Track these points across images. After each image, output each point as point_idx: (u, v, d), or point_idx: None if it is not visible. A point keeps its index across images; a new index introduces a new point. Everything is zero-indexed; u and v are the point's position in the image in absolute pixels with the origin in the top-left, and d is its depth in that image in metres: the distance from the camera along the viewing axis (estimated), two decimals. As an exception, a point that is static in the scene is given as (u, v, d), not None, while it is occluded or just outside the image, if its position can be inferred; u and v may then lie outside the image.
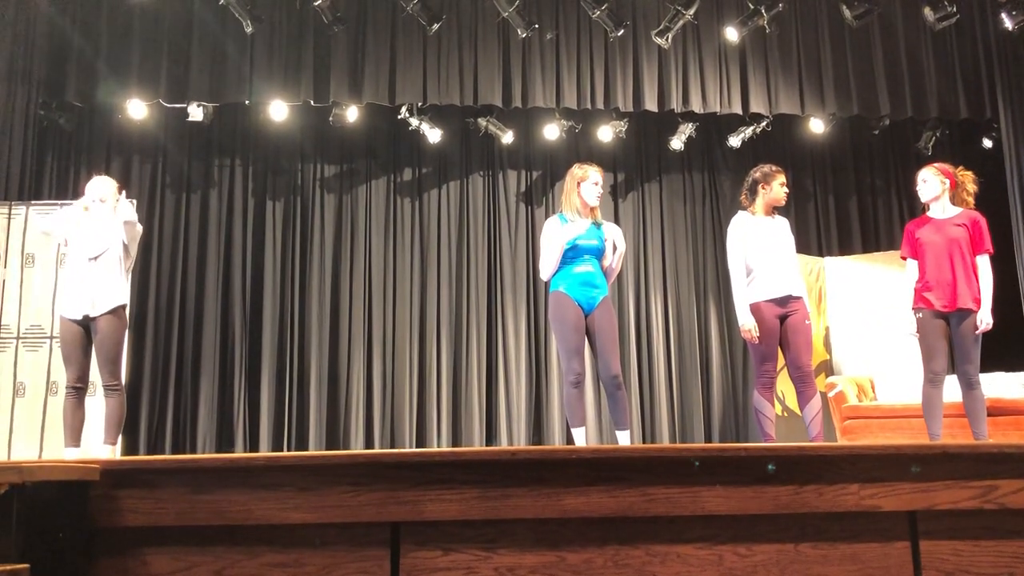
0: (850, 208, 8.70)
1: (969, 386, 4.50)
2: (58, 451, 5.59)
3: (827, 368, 7.68)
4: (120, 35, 7.09)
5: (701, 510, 2.08)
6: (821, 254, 8.30)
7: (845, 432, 6.36)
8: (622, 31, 7.19)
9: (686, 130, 8.12)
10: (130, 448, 7.29)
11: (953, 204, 4.70)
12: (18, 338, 6.37)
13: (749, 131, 8.15)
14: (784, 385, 7.07)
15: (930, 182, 4.71)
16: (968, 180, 4.73)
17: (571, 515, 2.07)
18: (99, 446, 4.85)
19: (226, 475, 2.07)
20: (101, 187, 4.83)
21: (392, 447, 7.71)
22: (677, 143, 8.24)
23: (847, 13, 7.11)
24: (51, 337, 6.26)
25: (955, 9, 7.00)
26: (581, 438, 4.40)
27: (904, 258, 4.77)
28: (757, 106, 7.50)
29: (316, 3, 6.84)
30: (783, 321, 4.51)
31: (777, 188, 4.65)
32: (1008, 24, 7.07)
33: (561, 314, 4.41)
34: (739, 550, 2.10)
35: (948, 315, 4.53)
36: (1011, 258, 7.15)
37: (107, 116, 7.74)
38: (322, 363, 7.87)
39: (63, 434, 4.68)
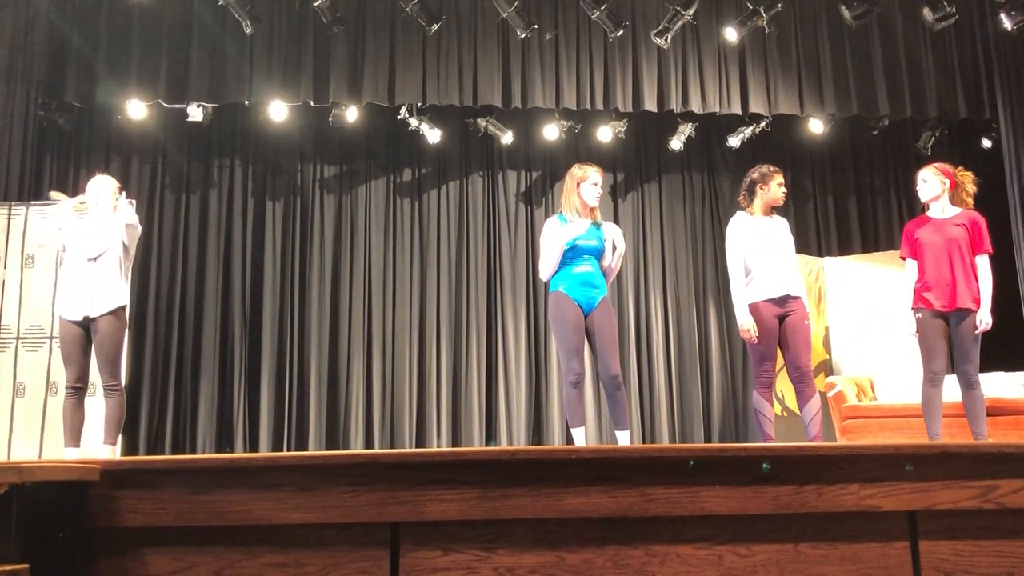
0: (849, 208, 8.71)
1: (968, 386, 4.50)
2: (58, 451, 5.59)
3: (827, 368, 7.68)
4: (120, 35, 7.09)
5: (701, 510, 2.08)
6: (820, 254, 8.30)
7: (845, 432, 6.36)
8: (621, 31, 7.20)
9: (685, 130, 8.12)
10: (130, 448, 7.29)
11: (952, 204, 4.70)
12: (18, 338, 6.37)
13: (748, 131, 8.15)
14: (784, 385, 7.07)
15: (930, 182, 4.71)
16: (968, 180, 4.73)
17: (571, 515, 2.08)
18: (99, 446, 4.85)
19: (226, 475, 2.07)
20: (99, 187, 4.83)
21: (392, 447, 7.71)
22: (676, 143, 8.24)
23: (846, 13, 7.11)
24: (51, 337, 6.26)
25: (954, 9, 7.00)
26: (581, 438, 4.40)
27: (903, 258, 4.77)
28: (756, 106, 7.51)
29: (316, 3, 6.85)
30: (782, 321, 4.51)
31: (775, 188, 4.66)
32: (1007, 24, 7.07)
33: (561, 314, 4.41)
34: (739, 550, 2.10)
35: (947, 315, 4.53)
36: (1010, 258, 7.15)
37: (107, 116, 7.74)
38: (322, 363, 7.87)
39: (63, 434, 4.68)
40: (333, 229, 8.17)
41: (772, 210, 4.72)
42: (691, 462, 2.08)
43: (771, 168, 4.71)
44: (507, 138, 8.19)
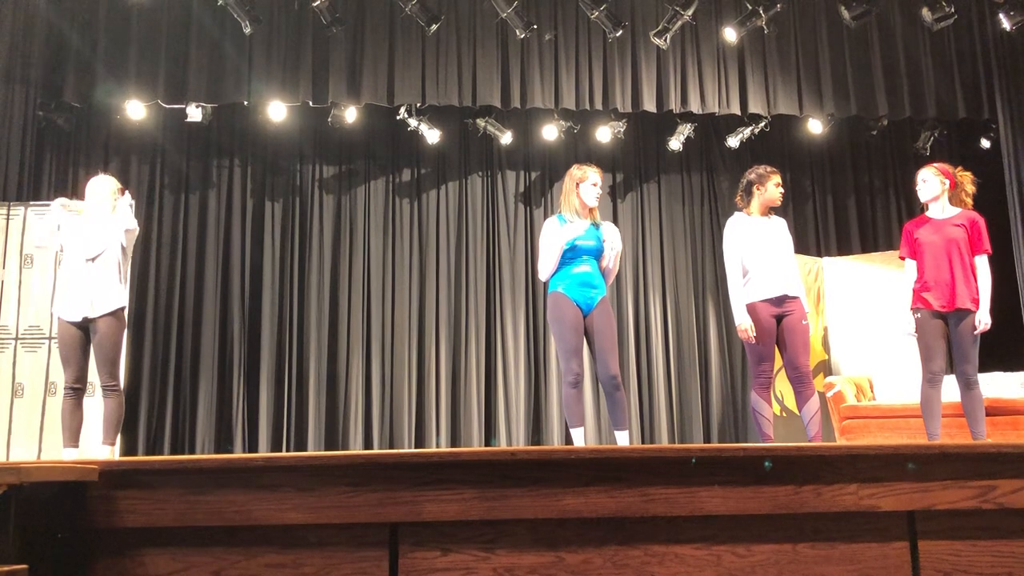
0: (848, 208, 8.71)
1: (967, 386, 4.50)
2: (57, 452, 5.59)
3: (826, 368, 7.68)
4: (118, 36, 7.08)
5: (699, 510, 2.08)
6: (819, 254, 8.30)
7: (844, 432, 6.36)
8: (620, 32, 7.20)
9: (684, 131, 8.12)
10: (129, 449, 7.29)
11: (952, 204, 4.70)
12: (17, 339, 6.37)
13: (747, 131, 8.15)
14: (783, 385, 7.09)
15: (930, 182, 4.71)
16: (967, 180, 4.73)
17: (570, 515, 2.07)
18: (98, 447, 4.85)
19: (225, 476, 2.07)
20: (99, 187, 4.83)
21: (391, 447, 7.71)
22: (676, 144, 8.24)
23: (845, 14, 7.12)
24: (50, 338, 6.26)
25: (953, 10, 7.01)
26: (580, 438, 4.40)
27: (903, 258, 4.77)
28: (755, 107, 7.51)
29: (315, 4, 6.84)
30: (780, 321, 4.52)
31: (772, 189, 4.66)
32: (1006, 24, 7.08)
33: (560, 314, 4.41)
34: (737, 550, 2.10)
35: (947, 315, 4.53)
36: (1009, 258, 7.15)
37: (105, 117, 7.74)
38: (321, 363, 7.86)
39: (62, 435, 4.68)
40: (332, 229, 8.17)
41: (770, 210, 4.72)
42: (693, 460, 2.08)
43: (768, 169, 4.72)
44: (506, 138, 8.19)
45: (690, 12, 6.99)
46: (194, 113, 7.41)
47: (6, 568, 1.78)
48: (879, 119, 8.00)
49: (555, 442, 7.80)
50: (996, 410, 5.65)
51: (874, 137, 8.44)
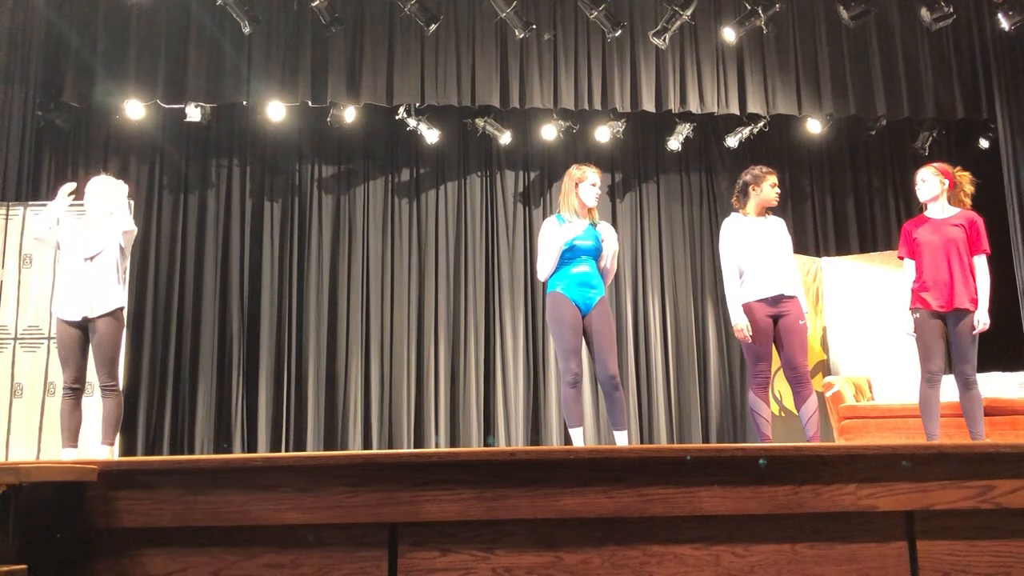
0: (847, 208, 8.71)
1: (966, 386, 4.50)
2: (56, 452, 5.59)
3: (824, 368, 7.68)
4: (117, 36, 7.08)
5: (698, 510, 2.08)
6: (818, 254, 8.31)
7: (842, 432, 6.36)
8: (619, 32, 7.20)
9: (683, 130, 8.12)
10: (128, 449, 7.28)
11: (951, 204, 4.70)
12: (16, 339, 6.36)
13: (746, 131, 8.15)
14: (782, 385, 7.09)
15: (929, 182, 4.71)
16: (966, 180, 4.74)
17: (568, 515, 2.07)
18: (97, 447, 4.85)
19: (224, 476, 2.07)
20: (99, 188, 4.84)
21: (390, 448, 7.71)
22: (674, 143, 8.24)
23: (844, 14, 7.12)
24: (49, 338, 6.26)
25: (952, 10, 7.01)
26: (579, 438, 4.41)
27: (901, 258, 4.78)
28: (754, 106, 7.51)
29: (314, 4, 6.84)
30: (777, 321, 4.52)
31: (767, 189, 4.66)
32: (1005, 25, 7.08)
33: (558, 314, 4.41)
34: (736, 550, 2.10)
35: (945, 315, 4.53)
36: (1008, 258, 7.16)
37: (104, 117, 7.74)
38: (320, 364, 7.86)
39: (60, 435, 4.68)
40: (331, 229, 8.17)
41: (767, 211, 4.73)
42: (688, 457, 2.08)
43: (764, 169, 4.72)
44: (505, 138, 8.19)
45: (689, 12, 6.99)
46: (193, 113, 7.41)
47: (5, 568, 1.78)
48: (878, 119, 8.00)
49: (554, 442, 7.80)
50: (995, 410, 5.65)
51: (873, 137, 8.44)
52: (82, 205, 4.89)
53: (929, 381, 4.54)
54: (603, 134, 8.22)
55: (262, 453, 6.78)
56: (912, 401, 5.07)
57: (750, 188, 4.69)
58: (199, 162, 8.10)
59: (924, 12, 7.12)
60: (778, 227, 4.72)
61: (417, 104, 7.53)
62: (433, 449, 7.27)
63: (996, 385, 6.09)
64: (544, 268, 4.50)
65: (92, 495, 2.05)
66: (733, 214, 4.76)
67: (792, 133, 8.46)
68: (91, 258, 4.68)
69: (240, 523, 2.05)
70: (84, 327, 4.65)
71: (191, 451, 7.46)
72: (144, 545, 2.07)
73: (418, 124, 7.90)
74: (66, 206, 4.81)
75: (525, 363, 8.08)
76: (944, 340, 4.57)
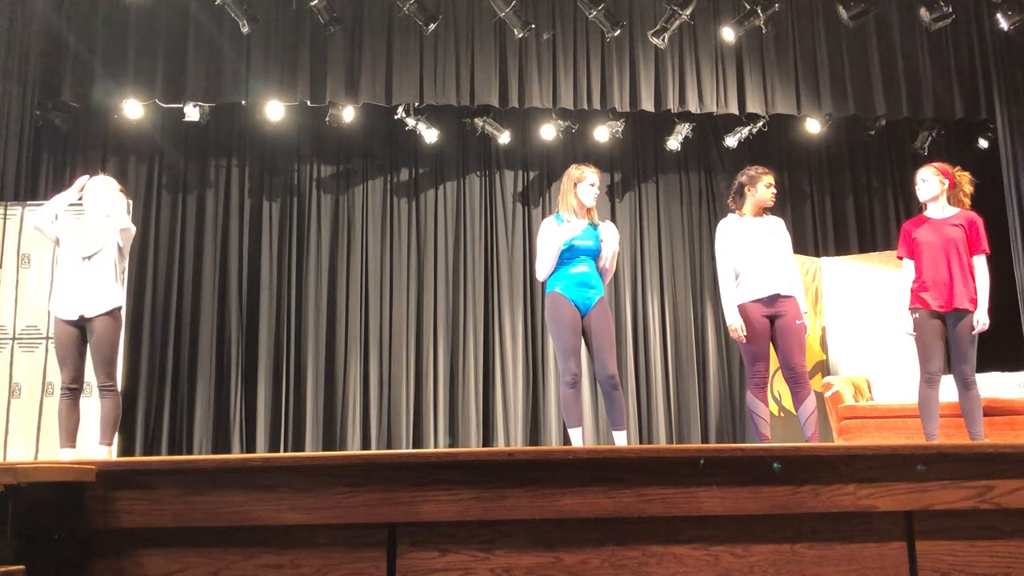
0: (846, 208, 8.71)
1: (965, 386, 4.50)
2: (54, 452, 5.58)
3: (823, 368, 7.68)
4: (116, 35, 7.08)
5: (697, 510, 2.08)
6: (817, 254, 8.31)
7: (842, 432, 6.36)
8: (618, 31, 7.20)
9: (683, 130, 8.12)
10: (126, 449, 7.28)
11: (950, 204, 4.70)
12: (14, 339, 6.36)
13: (745, 131, 8.16)
14: (781, 385, 7.09)
15: (929, 182, 4.71)
16: (965, 181, 4.74)
17: (567, 516, 2.07)
18: (95, 447, 4.84)
19: (222, 476, 2.06)
20: (98, 187, 4.84)
21: (389, 448, 7.70)
22: (674, 143, 8.24)
23: (843, 13, 7.12)
24: (47, 338, 6.25)
25: (951, 9, 7.01)
26: (578, 439, 4.41)
27: (901, 258, 4.78)
28: (753, 106, 7.51)
29: (312, 3, 6.84)
30: (774, 321, 4.52)
31: (763, 190, 4.66)
32: (1004, 24, 7.08)
33: (557, 314, 4.41)
34: (735, 550, 2.10)
35: (944, 315, 4.53)
36: (1007, 259, 7.16)
37: (103, 116, 7.73)
38: (318, 364, 7.86)
39: (59, 435, 4.68)
40: (330, 229, 8.17)
41: (764, 211, 4.72)
42: (701, 461, 2.07)
43: (759, 170, 4.72)
44: (504, 138, 8.19)
45: (688, 12, 6.99)
46: (192, 113, 7.40)
47: (3, 569, 1.78)
48: (877, 119, 8.01)
49: (553, 442, 7.80)
50: (994, 410, 5.65)
51: (872, 137, 8.44)
52: (81, 205, 4.90)
53: (928, 381, 4.54)
54: (602, 134, 8.22)
55: (261, 453, 6.77)
56: (911, 401, 5.06)
57: (746, 189, 4.70)
58: (198, 162, 8.10)
59: (923, 12, 7.12)
60: (776, 227, 4.71)
61: (416, 104, 7.53)
62: (432, 449, 7.27)
63: (995, 385, 6.09)
64: (543, 268, 4.50)
65: (90, 495, 2.04)
66: (729, 215, 4.77)
67: (791, 133, 8.46)
68: (89, 257, 4.68)
69: (239, 523, 2.05)
70: (82, 326, 4.64)
71: (190, 451, 7.45)
72: (143, 545, 2.06)
73: (417, 124, 7.90)
74: (74, 198, 4.81)
75: (524, 363, 8.08)
76: (943, 340, 4.57)
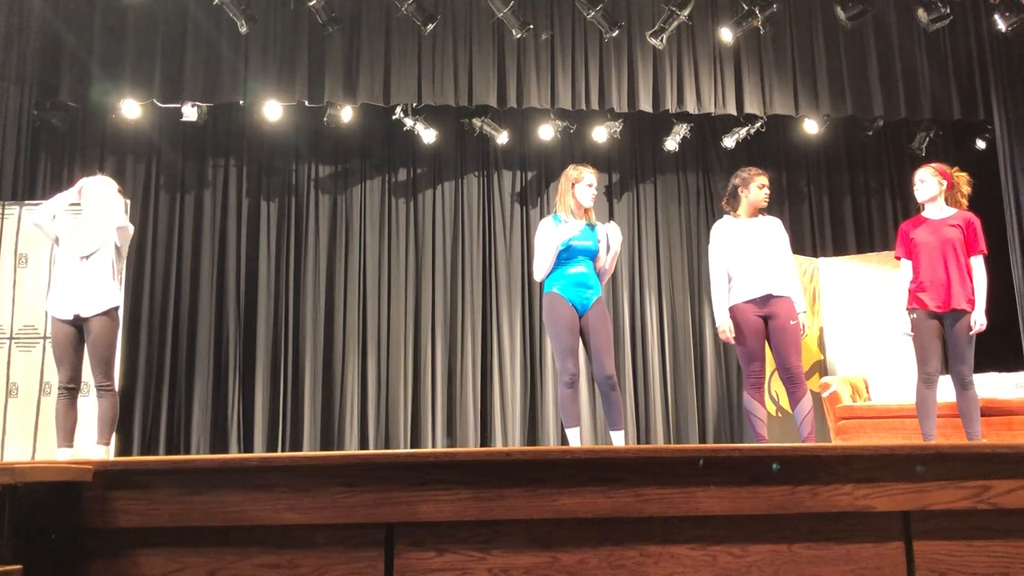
0: (844, 209, 8.72)
1: (963, 387, 4.50)
2: (51, 452, 5.58)
3: (821, 368, 7.69)
4: (114, 35, 7.08)
5: (695, 510, 2.08)
6: (815, 255, 8.31)
7: (839, 432, 6.37)
8: (617, 32, 7.20)
9: (681, 131, 8.12)
10: (124, 449, 7.27)
11: (948, 205, 4.71)
12: (11, 338, 6.35)
13: (743, 132, 8.16)
14: (779, 386, 7.09)
15: (928, 182, 4.72)
16: (963, 181, 4.74)
17: (565, 516, 2.07)
18: (92, 447, 4.84)
19: (220, 476, 2.06)
20: (96, 187, 4.84)
21: (387, 448, 7.70)
22: (672, 144, 8.25)
23: (841, 14, 7.13)
24: (44, 337, 6.25)
25: (948, 10, 7.02)
26: (575, 438, 4.41)
27: (898, 258, 4.78)
28: (751, 107, 7.52)
29: (311, 3, 6.84)
30: (768, 322, 4.52)
31: (755, 191, 4.67)
32: (1001, 25, 7.09)
33: (555, 315, 4.41)
34: (733, 550, 2.10)
35: (942, 316, 4.54)
36: (1005, 259, 7.17)
37: (101, 116, 7.72)
38: (317, 363, 7.85)
39: (56, 435, 4.67)
40: (328, 229, 8.16)
41: (760, 211, 4.73)
42: (701, 461, 2.08)
43: (752, 171, 4.73)
44: (502, 138, 8.19)
45: (686, 12, 7.00)
46: (190, 112, 7.40)
47: (0, 569, 1.78)
48: (875, 120, 8.01)
49: (551, 442, 7.80)
50: (991, 411, 5.66)
51: (870, 137, 8.45)
52: (79, 205, 4.89)
53: (926, 381, 4.54)
54: (600, 134, 8.22)
55: (259, 453, 6.77)
56: (909, 401, 5.07)
57: (739, 190, 4.71)
58: (196, 162, 8.09)
59: (921, 13, 7.14)
60: (772, 227, 4.71)
61: (414, 104, 7.53)
62: (430, 449, 7.27)
63: (992, 386, 6.10)
64: (540, 268, 4.50)
65: (88, 495, 2.04)
66: (725, 217, 4.78)
67: (789, 134, 8.46)
68: (87, 257, 4.68)
69: (237, 523, 2.05)
70: (79, 326, 4.64)
71: (187, 451, 7.45)
72: (140, 545, 2.06)
73: (415, 124, 7.90)
74: (74, 199, 4.81)
75: (522, 363, 8.08)
76: (941, 340, 4.58)
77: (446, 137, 8.24)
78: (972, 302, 4.52)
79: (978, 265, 4.59)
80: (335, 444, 7.69)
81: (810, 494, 2.09)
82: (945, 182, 4.70)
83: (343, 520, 2.05)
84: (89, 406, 5.51)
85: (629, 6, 7.47)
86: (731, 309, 4.58)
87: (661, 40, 7.13)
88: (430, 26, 7.05)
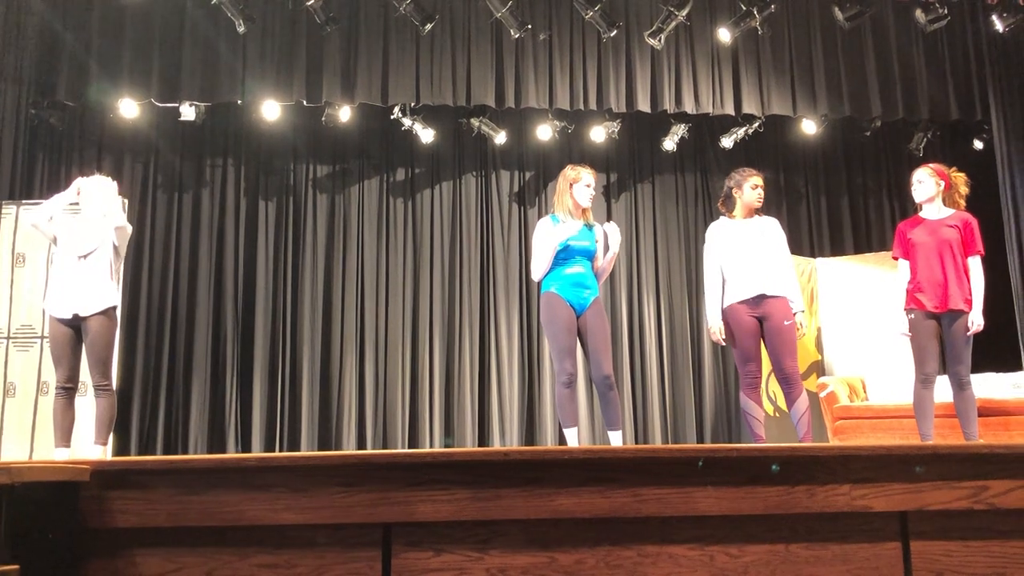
0: (842, 209, 8.73)
1: (960, 387, 4.51)
2: (49, 451, 5.57)
3: (819, 369, 7.69)
4: (112, 34, 7.07)
5: (692, 511, 2.08)
6: (813, 255, 8.32)
7: (836, 432, 6.37)
8: (615, 32, 7.20)
9: (679, 131, 8.12)
10: (121, 449, 7.26)
11: (945, 205, 4.71)
12: (8, 338, 6.34)
13: (741, 132, 8.16)
14: (776, 386, 7.09)
15: (925, 183, 4.72)
16: (960, 182, 4.75)
17: (563, 516, 2.07)
18: (90, 446, 4.84)
19: (218, 476, 2.06)
20: (95, 187, 4.84)
21: (384, 448, 7.70)
22: (670, 144, 8.25)
23: (839, 15, 7.13)
24: (42, 337, 6.24)
25: (946, 11, 7.03)
26: (573, 439, 4.41)
27: (896, 258, 4.79)
28: (749, 107, 7.52)
29: (309, 3, 6.83)
30: (763, 323, 4.52)
31: (749, 192, 4.67)
32: (999, 26, 7.10)
33: (552, 315, 4.41)
34: (730, 550, 2.10)
35: (939, 316, 4.55)
36: (1002, 260, 7.17)
37: (99, 115, 7.71)
38: (314, 363, 7.85)
39: (53, 434, 4.67)
40: (326, 229, 8.16)
41: (755, 212, 4.73)
42: (700, 462, 2.08)
43: (746, 172, 4.73)
44: (500, 138, 8.19)
45: (684, 12, 7.00)
46: (187, 112, 7.39)
47: (-3, 568, 1.78)
48: (872, 120, 8.01)
49: (549, 442, 7.80)
50: (988, 411, 5.67)
51: (867, 138, 8.45)
52: (77, 204, 4.89)
53: (923, 382, 4.55)
54: (598, 134, 8.22)
55: (256, 453, 6.77)
56: (906, 401, 5.08)
57: (733, 192, 4.72)
58: (193, 161, 8.08)
59: (919, 13, 7.14)
60: (768, 228, 4.71)
61: (412, 104, 7.53)
62: (428, 449, 7.26)
63: (990, 386, 6.11)
64: (538, 268, 4.50)
65: (85, 495, 2.04)
66: (721, 218, 4.79)
67: (787, 134, 8.47)
68: (85, 256, 4.68)
69: (234, 523, 2.05)
70: (77, 326, 4.64)
71: (185, 451, 7.44)
72: (138, 545, 2.06)
73: (413, 124, 7.89)
74: (72, 199, 4.81)
75: (520, 363, 8.08)
76: (938, 341, 4.58)
77: (444, 137, 8.24)
78: (969, 302, 4.53)
79: (975, 265, 4.60)
80: (333, 444, 7.68)
81: (807, 494, 2.09)
82: (943, 182, 4.70)
83: (341, 520, 2.05)
84: (87, 406, 5.50)
85: (627, 6, 7.47)
86: (725, 310, 4.59)
87: (659, 40, 7.13)
88: (428, 26, 7.04)
